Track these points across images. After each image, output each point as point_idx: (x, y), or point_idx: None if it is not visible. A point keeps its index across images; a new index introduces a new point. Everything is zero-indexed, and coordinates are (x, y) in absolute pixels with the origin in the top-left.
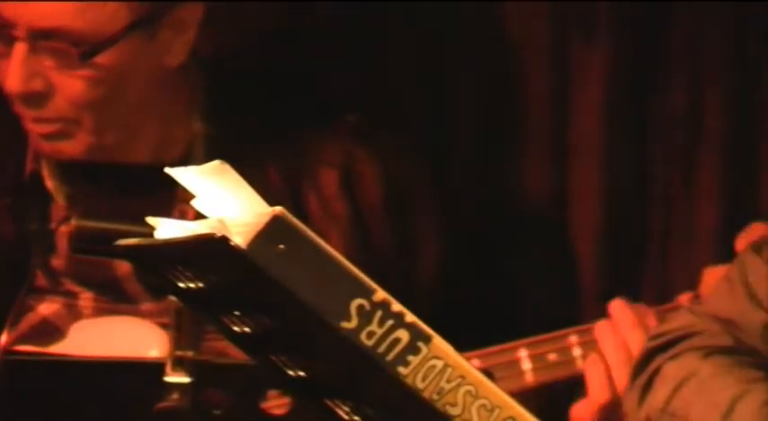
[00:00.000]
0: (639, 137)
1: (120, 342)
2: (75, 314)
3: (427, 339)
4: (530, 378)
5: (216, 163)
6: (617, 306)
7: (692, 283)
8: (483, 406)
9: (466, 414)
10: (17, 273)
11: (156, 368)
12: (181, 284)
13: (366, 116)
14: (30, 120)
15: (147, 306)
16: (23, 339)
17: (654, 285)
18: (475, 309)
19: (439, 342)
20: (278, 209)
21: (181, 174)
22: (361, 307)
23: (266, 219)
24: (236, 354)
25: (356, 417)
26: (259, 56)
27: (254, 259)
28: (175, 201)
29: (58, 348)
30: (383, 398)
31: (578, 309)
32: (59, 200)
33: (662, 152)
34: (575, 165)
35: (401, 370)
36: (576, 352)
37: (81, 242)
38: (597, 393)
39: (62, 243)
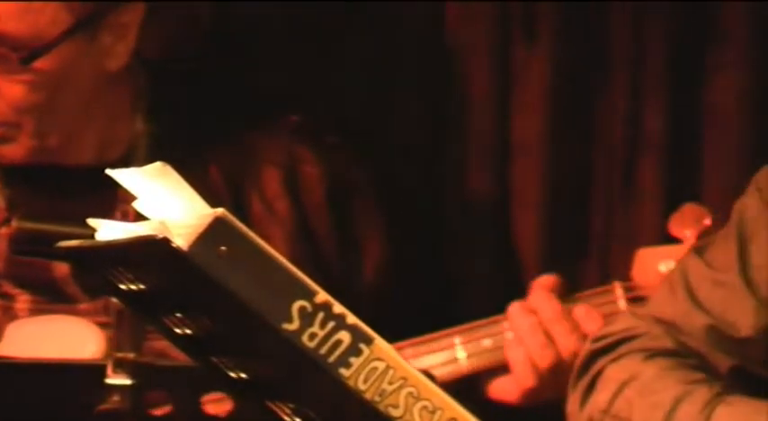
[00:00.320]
0: (581, 137)
1: (56, 341)
2: (11, 316)
3: (369, 341)
4: (464, 365)
5: (157, 164)
6: (538, 295)
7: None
8: (425, 407)
9: (408, 415)
10: None
11: (96, 370)
12: (122, 286)
13: (309, 116)
14: None
15: (84, 306)
16: None
17: (595, 285)
18: (417, 308)
19: (381, 344)
20: (220, 210)
21: (122, 176)
22: (302, 309)
23: (208, 220)
24: (177, 355)
25: (298, 419)
26: (202, 56)
27: (195, 261)
28: (118, 202)
29: None
30: (325, 400)
31: None
32: (0, 202)
33: (603, 153)
34: (517, 166)
35: (343, 371)
36: (510, 335)
37: (22, 244)
38: (522, 377)
39: (1, 245)
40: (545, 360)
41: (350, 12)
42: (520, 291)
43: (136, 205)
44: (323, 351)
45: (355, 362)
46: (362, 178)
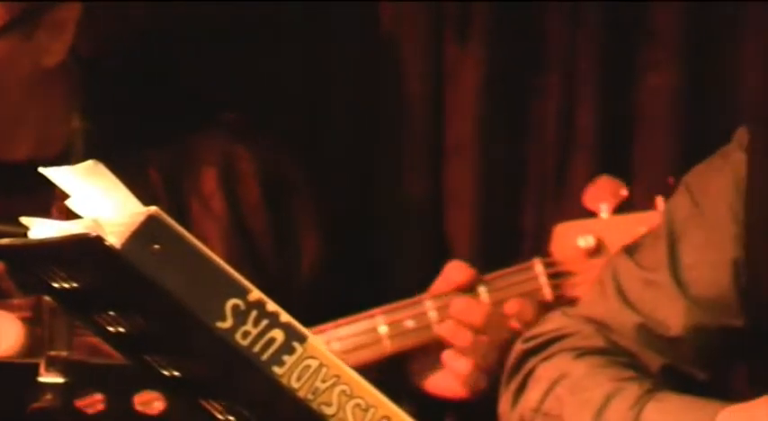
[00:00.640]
0: (513, 137)
1: None
2: None
3: (302, 339)
4: (387, 345)
5: (90, 162)
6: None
7: None
8: (358, 405)
9: (341, 413)
10: None
11: (29, 368)
12: (55, 284)
13: (244, 115)
14: None
15: (17, 301)
16: None
17: None
18: (351, 307)
19: (314, 341)
20: (153, 209)
21: (56, 174)
22: (236, 307)
23: (141, 218)
24: (110, 351)
25: (231, 417)
26: (139, 55)
27: (128, 259)
28: (54, 200)
29: None
30: (258, 398)
31: None
32: None
33: (535, 152)
34: (449, 166)
35: (276, 370)
36: (432, 315)
37: None
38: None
39: None
40: (488, 360)
41: (284, 12)
42: None
43: (69, 203)
44: (256, 349)
45: (288, 360)
46: (299, 176)
